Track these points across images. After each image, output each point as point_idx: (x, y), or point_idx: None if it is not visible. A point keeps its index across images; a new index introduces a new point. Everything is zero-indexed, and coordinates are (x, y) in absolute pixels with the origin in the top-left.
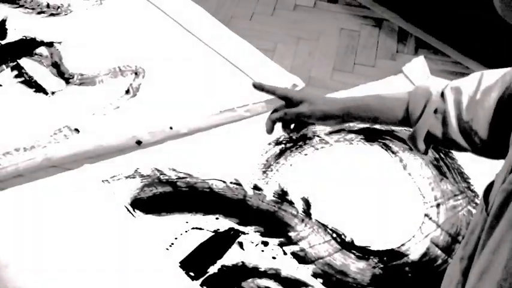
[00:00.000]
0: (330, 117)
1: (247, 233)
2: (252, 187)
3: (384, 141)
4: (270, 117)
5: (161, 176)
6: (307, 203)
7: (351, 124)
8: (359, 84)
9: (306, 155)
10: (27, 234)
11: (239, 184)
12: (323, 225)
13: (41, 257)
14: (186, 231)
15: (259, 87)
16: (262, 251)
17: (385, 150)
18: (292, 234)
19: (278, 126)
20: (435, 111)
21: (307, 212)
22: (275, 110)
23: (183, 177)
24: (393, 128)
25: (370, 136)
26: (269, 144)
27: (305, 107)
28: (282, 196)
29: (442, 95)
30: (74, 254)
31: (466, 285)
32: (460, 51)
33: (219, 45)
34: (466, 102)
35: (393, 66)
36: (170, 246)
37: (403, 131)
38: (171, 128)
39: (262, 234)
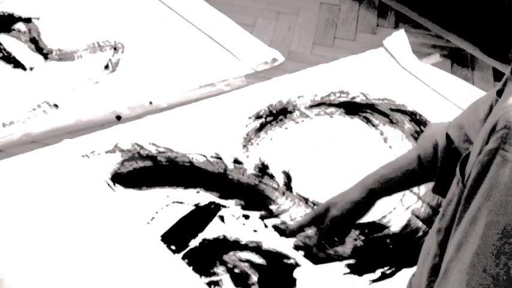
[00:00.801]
0: (359, 203)
1: (228, 207)
2: (233, 161)
3: (364, 114)
4: (315, 245)
5: (141, 151)
6: (288, 177)
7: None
8: (339, 58)
9: (286, 128)
10: (6, 209)
11: (219, 158)
12: (304, 198)
13: (20, 233)
14: (167, 205)
15: (292, 233)
16: (244, 224)
17: (366, 123)
18: (273, 207)
19: None
20: (445, 154)
21: (288, 185)
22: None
23: (163, 152)
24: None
25: (350, 109)
26: (249, 118)
27: (334, 211)
28: (262, 170)
29: (447, 135)
30: (53, 230)
31: (444, 257)
32: (440, 24)
33: (198, 20)
34: (470, 131)
35: (373, 40)
36: (151, 220)
37: (383, 104)
38: (150, 102)
39: (243, 208)
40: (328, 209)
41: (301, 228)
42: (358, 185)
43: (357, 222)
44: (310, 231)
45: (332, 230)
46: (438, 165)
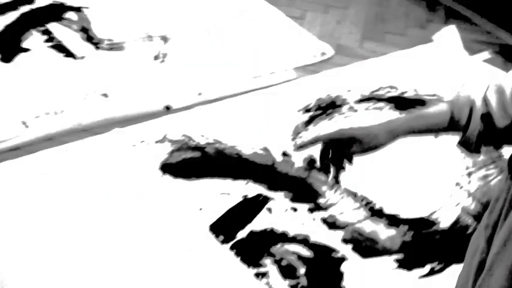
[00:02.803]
0: (381, 147)
1: (276, 199)
2: (281, 154)
3: (414, 109)
4: (320, 167)
5: (190, 142)
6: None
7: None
8: (388, 53)
9: (335, 122)
10: (58, 196)
11: (268, 150)
12: (352, 192)
13: (70, 218)
14: (216, 196)
15: (306, 144)
16: (292, 217)
17: None
18: (321, 200)
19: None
20: (482, 117)
21: (336, 179)
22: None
23: (212, 143)
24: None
25: (400, 104)
26: (298, 111)
27: (356, 148)
28: (311, 163)
29: (485, 99)
30: (103, 217)
31: (490, 252)
32: (491, 20)
33: (248, 12)
34: (510, 100)
35: (424, 35)
36: (200, 210)
37: (433, 100)
38: (199, 94)
39: (292, 200)
40: (349, 140)
41: (316, 141)
42: (385, 129)
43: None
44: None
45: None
46: (472, 126)
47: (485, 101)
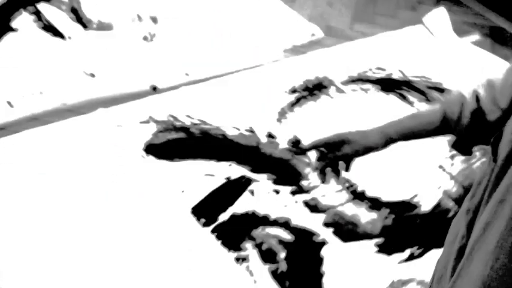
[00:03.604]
0: (374, 149)
1: (259, 181)
2: (266, 135)
3: (400, 91)
4: (317, 169)
5: (175, 122)
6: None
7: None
8: (378, 34)
9: (321, 103)
10: (41, 176)
11: (253, 131)
12: (336, 174)
13: (54, 196)
14: (199, 178)
15: (300, 151)
16: (274, 199)
17: (402, 100)
18: (304, 183)
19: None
20: (472, 113)
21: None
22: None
23: (197, 124)
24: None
25: (386, 86)
26: (285, 92)
27: (347, 149)
28: (295, 144)
29: (475, 94)
30: (86, 196)
31: (471, 237)
32: (481, 2)
33: None
34: (499, 92)
35: (414, 17)
36: (182, 192)
37: (420, 82)
38: (186, 74)
39: (275, 182)
40: (342, 142)
41: (311, 148)
42: (378, 131)
43: (385, 199)
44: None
45: (336, 163)
46: (463, 123)
47: (476, 96)
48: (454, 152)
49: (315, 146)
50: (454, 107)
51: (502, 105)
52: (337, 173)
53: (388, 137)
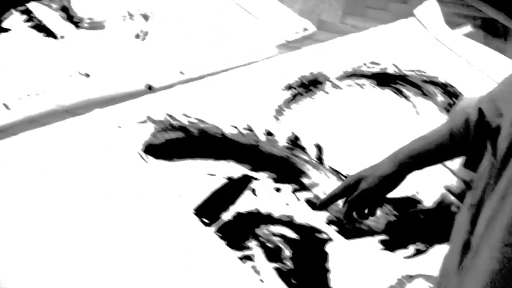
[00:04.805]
0: (389, 177)
1: (260, 180)
2: (265, 133)
3: (396, 85)
4: (344, 217)
5: (173, 122)
6: (319, 149)
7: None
8: (370, 28)
9: (317, 100)
10: (38, 178)
11: (251, 130)
12: (336, 171)
13: (54, 197)
14: (199, 177)
15: (323, 205)
16: (276, 198)
17: (398, 95)
18: (305, 180)
19: None
20: (476, 125)
21: (320, 158)
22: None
23: (195, 123)
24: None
25: (382, 80)
26: (281, 88)
27: (364, 184)
28: (294, 142)
29: (479, 109)
30: (85, 199)
31: (475, 232)
32: None
33: None
34: (502, 106)
35: (405, 9)
36: (182, 192)
37: (415, 76)
38: (181, 73)
39: (275, 180)
40: (358, 181)
41: (331, 200)
42: (390, 158)
43: (388, 195)
44: (341, 202)
45: (362, 202)
46: (470, 139)
47: (479, 108)
48: None
49: (333, 197)
50: (459, 124)
51: (506, 115)
52: (362, 217)
53: (399, 162)
